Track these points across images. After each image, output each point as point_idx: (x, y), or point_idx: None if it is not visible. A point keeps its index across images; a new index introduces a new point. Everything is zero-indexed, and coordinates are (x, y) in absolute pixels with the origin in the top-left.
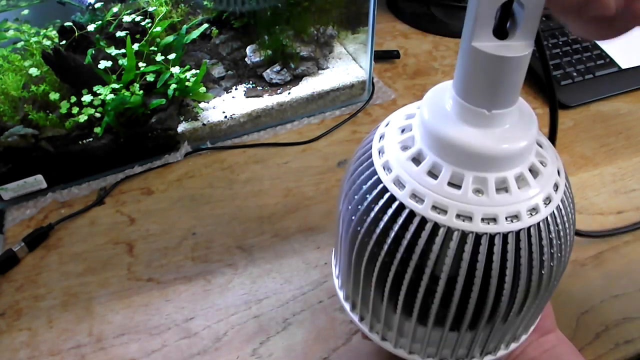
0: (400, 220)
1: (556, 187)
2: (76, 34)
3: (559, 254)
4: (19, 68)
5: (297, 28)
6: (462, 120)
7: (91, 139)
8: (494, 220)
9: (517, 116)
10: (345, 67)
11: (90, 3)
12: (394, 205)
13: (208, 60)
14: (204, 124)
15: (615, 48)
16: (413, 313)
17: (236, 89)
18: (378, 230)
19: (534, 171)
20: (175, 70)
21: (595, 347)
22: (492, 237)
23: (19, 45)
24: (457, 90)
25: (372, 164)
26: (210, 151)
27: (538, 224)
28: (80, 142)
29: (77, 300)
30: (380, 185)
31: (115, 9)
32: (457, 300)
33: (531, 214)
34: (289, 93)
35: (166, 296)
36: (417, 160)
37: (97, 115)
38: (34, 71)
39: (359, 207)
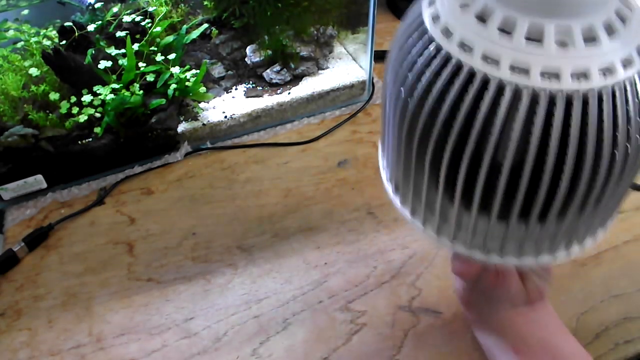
0: (458, 81)
1: None
2: (76, 34)
3: None
4: (19, 68)
5: (297, 28)
6: None
7: (91, 139)
8: (557, 76)
9: None
10: (345, 67)
11: (90, 3)
12: (450, 65)
13: (208, 60)
14: (204, 124)
15: None
16: (474, 197)
17: (236, 89)
18: (432, 96)
19: (610, 26)
20: (175, 70)
21: (595, 347)
22: (553, 97)
23: (19, 45)
24: None
25: (422, 22)
26: (210, 151)
27: (612, 87)
28: (80, 142)
29: (77, 300)
30: (432, 45)
31: (115, 9)
32: (527, 178)
33: (604, 74)
34: (289, 93)
35: (166, 296)
36: (466, 5)
37: (97, 115)
38: (34, 71)
39: (409, 74)
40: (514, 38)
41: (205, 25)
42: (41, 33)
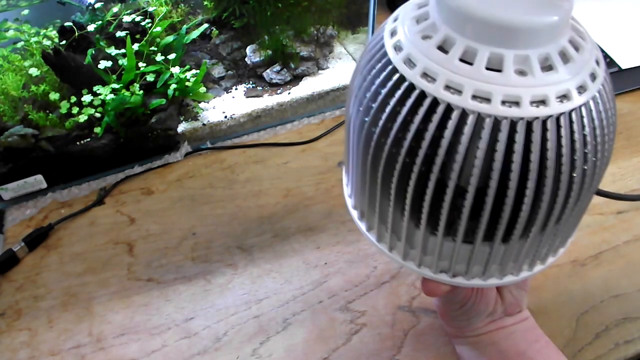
0: (421, 110)
1: (593, 77)
2: (76, 34)
3: (596, 153)
4: (19, 68)
5: (297, 28)
6: None
7: (91, 139)
8: (517, 104)
9: None
10: (345, 67)
11: (90, 3)
12: (414, 95)
13: (208, 60)
14: (204, 124)
15: (615, 48)
16: (440, 222)
17: (236, 89)
18: (396, 125)
19: (565, 55)
20: (175, 70)
21: (595, 347)
22: (514, 123)
23: (19, 45)
24: None
25: (385, 54)
26: (210, 151)
27: (570, 112)
28: (80, 142)
29: (77, 300)
30: (396, 75)
31: (115, 9)
32: (491, 201)
33: (561, 101)
34: (289, 93)
35: (166, 296)
36: (428, 37)
37: (97, 115)
38: (34, 71)
39: (372, 104)
40: (475, 68)
41: (205, 25)
42: (41, 33)
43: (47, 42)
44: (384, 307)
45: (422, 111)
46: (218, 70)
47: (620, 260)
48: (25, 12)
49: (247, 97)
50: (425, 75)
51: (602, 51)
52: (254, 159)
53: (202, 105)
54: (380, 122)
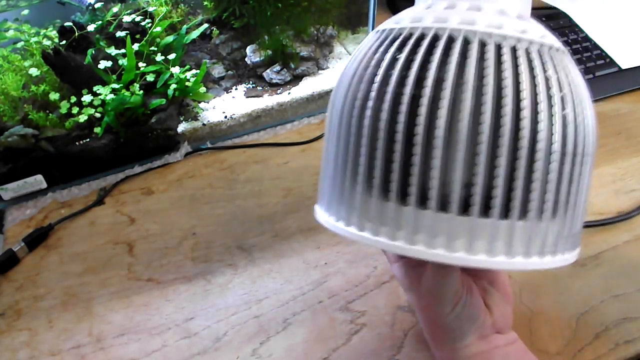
0: (411, 41)
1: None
2: (76, 34)
3: (566, 112)
4: (19, 68)
5: (297, 28)
6: None
7: (91, 139)
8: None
9: None
10: None
11: (90, 3)
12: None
13: (208, 60)
14: (204, 124)
15: (615, 48)
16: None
17: (236, 89)
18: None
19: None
20: (175, 70)
21: (595, 347)
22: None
23: (19, 45)
24: None
25: (385, 33)
26: (210, 151)
27: (528, 45)
28: (80, 142)
29: (77, 300)
30: (393, 32)
31: (115, 9)
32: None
33: (522, 34)
34: (289, 93)
35: (166, 296)
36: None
37: (97, 115)
38: (34, 71)
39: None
40: (457, 9)
41: (205, 25)
42: (41, 33)
43: (47, 42)
44: (384, 307)
45: (413, 40)
46: (218, 70)
47: (620, 260)
48: (25, 12)
49: (247, 97)
50: (416, 19)
51: (602, 51)
52: (254, 159)
53: (202, 105)
54: (394, 74)
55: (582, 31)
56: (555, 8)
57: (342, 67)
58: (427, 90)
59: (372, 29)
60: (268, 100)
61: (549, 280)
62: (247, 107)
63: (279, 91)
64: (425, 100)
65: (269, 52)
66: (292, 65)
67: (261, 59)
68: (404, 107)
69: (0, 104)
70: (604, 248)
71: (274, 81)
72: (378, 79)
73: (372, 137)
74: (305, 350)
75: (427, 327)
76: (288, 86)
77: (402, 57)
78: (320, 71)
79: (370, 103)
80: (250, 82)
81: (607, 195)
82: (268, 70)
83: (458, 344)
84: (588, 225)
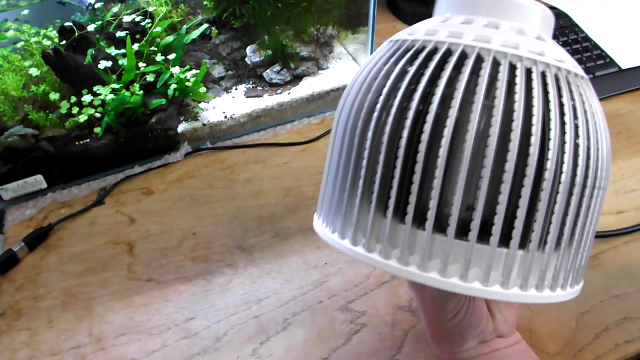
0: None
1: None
2: (76, 34)
3: (582, 138)
4: (19, 68)
5: (297, 28)
6: None
7: (91, 139)
8: (515, 47)
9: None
10: (345, 67)
11: (90, 3)
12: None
13: (208, 60)
14: (204, 124)
15: (615, 48)
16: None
17: (236, 89)
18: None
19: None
20: (175, 70)
21: (595, 347)
22: (513, 67)
23: (19, 45)
24: None
25: (398, 46)
26: (210, 151)
27: (546, 68)
28: (80, 142)
29: (77, 300)
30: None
31: (115, 9)
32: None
33: (539, 55)
34: (289, 93)
35: (166, 296)
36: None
37: (97, 115)
38: (34, 71)
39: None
40: (474, 24)
41: (205, 25)
42: (41, 33)
43: (47, 42)
44: (384, 307)
45: (424, 54)
46: (218, 70)
47: (620, 260)
48: (25, 12)
49: (247, 97)
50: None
51: (602, 51)
52: (254, 159)
53: (202, 105)
54: (401, 88)
55: (582, 31)
56: (555, 8)
57: (342, 67)
58: (434, 107)
59: (372, 29)
60: (268, 100)
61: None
62: (247, 107)
63: (279, 91)
64: (430, 117)
65: (269, 52)
66: (292, 65)
67: (261, 59)
68: (408, 122)
69: (0, 104)
70: (604, 248)
71: (274, 81)
72: (385, 90)
73: (374, 150)
74: (305, 350)
75: (429, 329)
76: (288, 86)
77: (412, 70)
78: (320, 71)
79: (375, 115)
80: (250, 82)
81: (607, 196)
82: (268, 70)
83: (458, 347)
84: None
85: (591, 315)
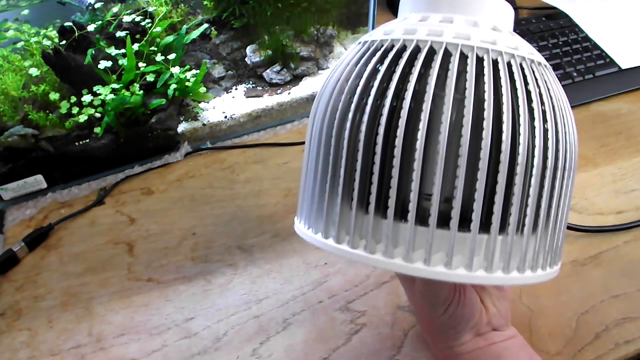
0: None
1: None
2: (76, 34)
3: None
4: (19, 68)
5: (297, 28)
6: None
7: (91, 139)
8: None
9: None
10: None
11: (90, 3)
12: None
13: (208, 60)
14: (204, 124)
15: (615, 48)
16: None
17: (236, 89)
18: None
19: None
20: (175, 70)
21: (595, 347)
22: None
23: (19, 45)
24: None
25: (374, 47)
26: (210, 151)
27: (511, 59)
28: (80, 142)
29: (77, 300)
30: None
31: (115, 9)
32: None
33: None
34: (289, 93)
35: (166, 296)
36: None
37: (97, 115)
38: (34, 71)
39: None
40: (429, 21)
41: (205, 25)
42: (41, 33)
43: (47, 42)
44: (384, 307)
45: (407, 53)
46: (218, 70)
47: (620, 260)
48: (25, 12)
49: (247, 97)
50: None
51: (602, 51)
52: (254, 159)
53: (202, 105)
54: (375, 85)
55: (582, 31)
56: (555, 8)
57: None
58: (406, 102)
59: (372, 28)
60: (268, 100)
61: (549, 281)
62: (247, 107)
63: (279, 91)
64: (403, 112)
65: (269, 52)
66: (292, 65)
67: (261, 59)
68: (383, 119)
69: (0, 104)
70: (604, 248)
71: (274, 81)
72: (359, 90)
73: (351, 149)
74: (305, 350)
75: (423, 326)
76: (288, 86)
77: (382, 69)
78: (320, 71)
79: (350, 115)
80: (250, 82)
81: (607, 195)
82: (268, 70)
83: (453, 342)
84: (589, 230)
85: (591, 315)
